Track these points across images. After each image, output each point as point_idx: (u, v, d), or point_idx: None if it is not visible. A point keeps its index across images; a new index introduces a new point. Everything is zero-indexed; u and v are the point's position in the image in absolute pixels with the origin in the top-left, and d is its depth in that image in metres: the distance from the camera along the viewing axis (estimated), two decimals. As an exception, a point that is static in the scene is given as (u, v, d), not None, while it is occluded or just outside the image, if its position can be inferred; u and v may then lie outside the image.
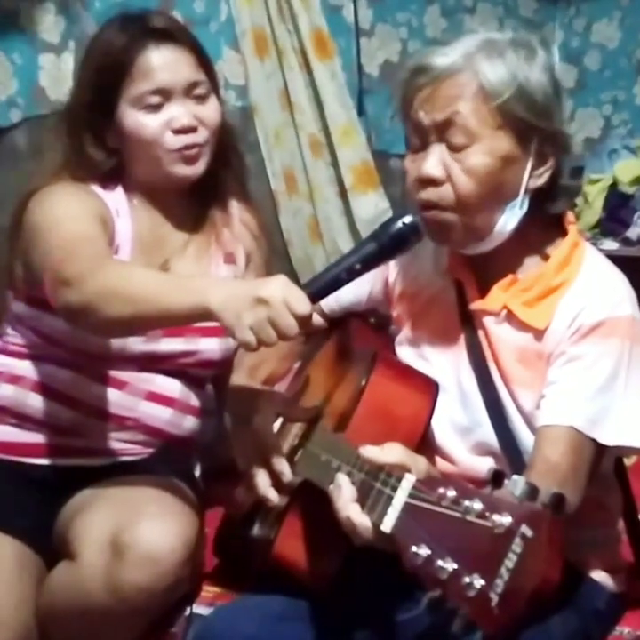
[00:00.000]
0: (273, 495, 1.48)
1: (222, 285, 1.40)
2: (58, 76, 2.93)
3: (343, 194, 3.53)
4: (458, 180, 1.45)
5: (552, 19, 4.06)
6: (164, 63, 1.75)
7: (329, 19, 3.45)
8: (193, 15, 3.18)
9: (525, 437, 1.51)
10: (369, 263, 1.42)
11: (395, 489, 1.21)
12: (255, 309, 1.32)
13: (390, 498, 1.21)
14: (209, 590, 1.78)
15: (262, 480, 1.49)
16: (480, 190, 1.45)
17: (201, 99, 1.79)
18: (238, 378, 1.62)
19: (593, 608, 1.57)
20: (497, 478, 1.10)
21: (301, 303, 1.32)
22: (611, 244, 3.63)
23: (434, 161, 1.47)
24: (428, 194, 1.48)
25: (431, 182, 1.47)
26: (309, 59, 3.40)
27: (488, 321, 1.55)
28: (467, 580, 1.05)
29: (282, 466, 1.49)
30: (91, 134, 1.79)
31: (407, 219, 1.42)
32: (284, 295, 1.32)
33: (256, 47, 3.38)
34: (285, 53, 3.41)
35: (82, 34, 2.86)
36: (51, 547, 1.77)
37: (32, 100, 2.95)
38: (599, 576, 1.60)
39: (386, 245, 1.42)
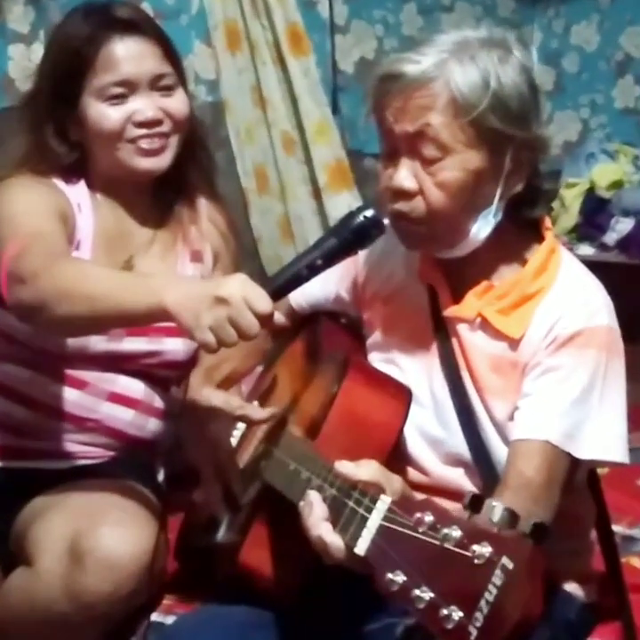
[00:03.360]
0: (221, 514, 1.52)
1: (179, 284, 1.38)
2: (28, 66, 2.91)
3: (316, 193, 3.53)
4: (430, 193, 1.43)
5: (531, 20, 4.06)
6: (128, 55, 1.73)
7: (303, 14, 3.46)
8: (163, 8, 3.19)
9: (497, 448, 1.49)
10: (331, 258, 1.39)
11: (369, 510, 1.18)
12: (214, 309, 1.30)
13: (364, 519, 1.18)
14: (167, 597, 1.76)
15: (215, 496, 1.51)
16: (452, 203, 1.43)
17: (167, 91, 1.77)
18: (195, 379, 1.59)
19: (564, 619, 1.56)
20: (475, 503, 1.07)
21: (262, 301, 1.30)
22: (587, 249, 3.64)
23: (405, 173, 1.44)
24: (400, 205, 1.46)
25: (403, 194, 1.45)
26: (284, 54, 3.41)
27: (462, 328, 1.53)
28: (445, 611, 1.02)
29: (235, 484, 1.52)
30: (53, 126, 1.77)
31: (368, 212, 1.39)
32: (244, 293, 1.30)
33: (228, 41, 3.38)
34: (258, 48, 3.41)
35: (51, 23, 2.84)
36: (7, 552, 1.75)
37: (0, 91, 2.94)
38: (571, 587, 1.59)
39: (347, 240, 1.39)
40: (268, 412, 1.55)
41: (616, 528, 1.75)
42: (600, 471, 1.68)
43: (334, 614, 1.51)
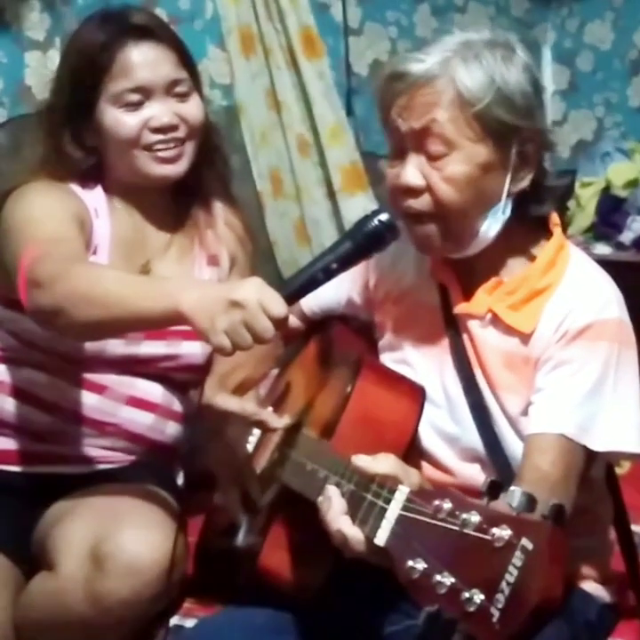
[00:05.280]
0: (240, 518, 1.53)
1: (195, 288, 1.38)
2: (44, 73, 2.89)
3: (331, 195, 3.51)
4: (437, 188, 1.44)
5: (544, 19, 4.04)
6: (144, 61, 1.74)
7: (317, 17, 3.41)
8: (177, 12, 3.16)
9: (512, 443, 1.50)
10: (345, 262, 1.40)
11: (388, 501, 1.19)
12: (229, 313, 1.30)
13: (383, 510, 1.19)
14: (187, 601, 1.75)
15: (233, 501, 1.52)
16: (461, 198, 1.44)
17: (182, 97, 1.77)
18: (209, 386, 1.59)
19: (584, 619, 1.55)
20: (493, 489, 1.08)
21: (277, 305, 1.30)
22: (603, 249, 3.61)
23: (412, 170, 1.45)
24: (409, 203, 1.47)
25: (411, 192, 1.46)
26: (297, 57, 3.38)
27: (473, 325, 1.53)
28: (466, 594, 1.02)
29: (252, 489, 1.52)
30: (70, 133, 1.77)
31: (383, 216, 1.40)
32: (259, 297, 1.30)
33: (242, 45, 3.35)
34: (272, 52, 3.38)
35: (67, 31, 2.84)
36: (29, 557, 1.75)
37: (17, 98, 2.93)
38: (590, 587, 1.58)
39: (362, 244, 1.40)
40: (284, 420, 1.55)
41: (635, 528, 1.74)
42: (619, 471, 1.68)
43: (354, 617, 1.51)
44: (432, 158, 1.44)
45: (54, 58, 2.87)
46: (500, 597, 1.00)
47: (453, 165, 1.43)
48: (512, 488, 1.06)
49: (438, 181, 1.43)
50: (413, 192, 1.45)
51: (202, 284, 1.71)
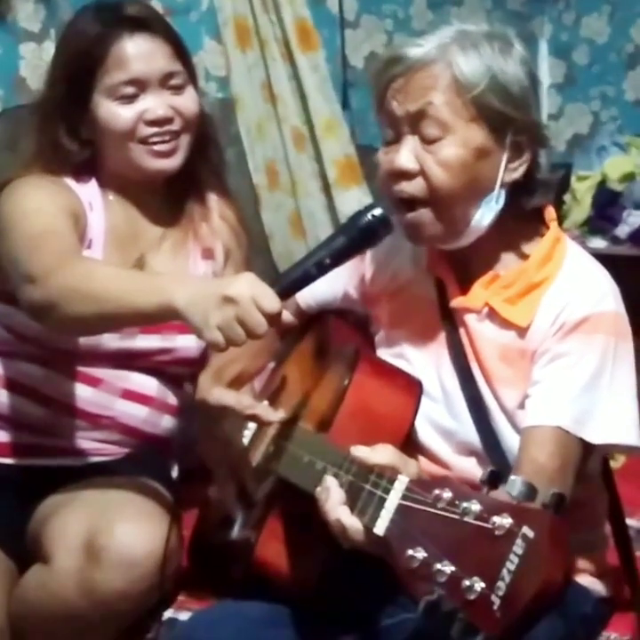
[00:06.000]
0: (235, 512, 1.53)
1: (188, 284, 1.38)
2: (39, 65, 2.89)
3: (326, 188, 3.51)
4: (431, 172, 1.44)
5: (541, 12, 4.04)
6: (138, 53, 1.73)
7: (313, 9, 3.41)
8: (173, 4, 3.14)
9: (508, 437, 1.50)
10: (339, 257, 1.39)
11: (387, 491, 1.19)
12: (222, 308, 1.30)
13: (382, 500, 1.19)
14: (181, 594, 1.75)
15: (229, 494, 1.52)
16: (454, 183, 1.44)
17: (177, 89, 1.77)
18: (204, 380, 1.58)
19: (579, 613, 1.55)
20: (493, 479, 1.08)
21: (270, 300, 1.31)
22: (599, 243, 3.61)
23: (406, 153, 1.45)
24: (402, 187, 1.47)
25: (404, 175, 1.46)
26: (293, 50, 3.37)
27: (469, 318, 1.53)
28: (466, 583, 1.03)
29: (248, 482, 1.52)
30: (64, 125, 1.76)
31: (376, 211, 1.39)
32: (252, 293, 1.30)
33: (238, 38, 3.34)
34: (268, 44, 3.38)
35: (62, 22, 2.83)
36: (23, 550, 1.75)
37: (12, 90, 2.93)
38: (586, 580, 1.58)
39: (355, 239, 1.39)
40: (279, 414, 1.55)
41: (630, 522, 1.74)
42: (613, 464, 1.68)
43: (350, 610, 1.51)
44: (426, 141, 1.44)
45: (49, 49, 2.86)
46: (501, 585, 1.01)
47: (448, 148, 1.43)
48: (512, 477, 1.07)
49: (432, 165, 1.44)
50: (407, 175, 1.45)
51: (195, 279, 1.71)
